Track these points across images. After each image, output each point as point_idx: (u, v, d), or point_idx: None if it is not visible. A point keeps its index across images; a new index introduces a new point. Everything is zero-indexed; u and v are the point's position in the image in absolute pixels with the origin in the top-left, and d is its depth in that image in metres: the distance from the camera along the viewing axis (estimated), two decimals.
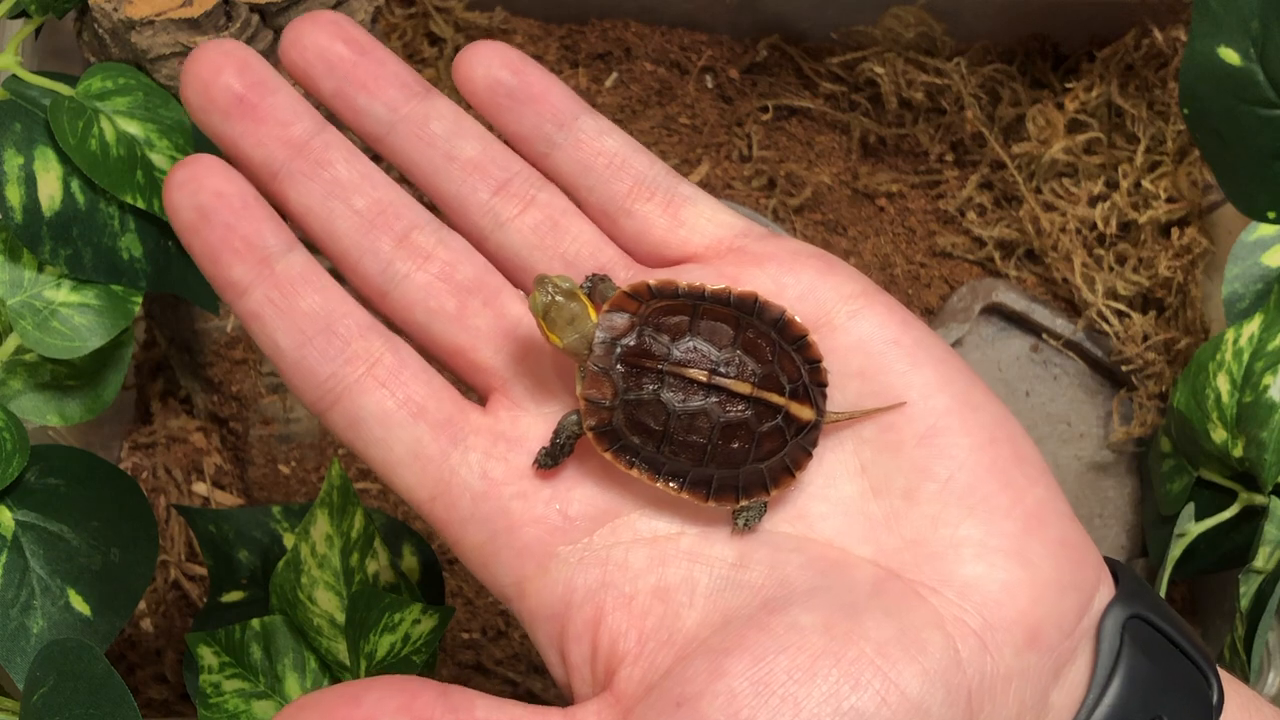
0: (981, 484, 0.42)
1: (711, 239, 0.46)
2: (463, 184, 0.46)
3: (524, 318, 0.45)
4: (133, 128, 0.63)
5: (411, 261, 0.45)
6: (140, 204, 0.63)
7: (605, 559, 0.43)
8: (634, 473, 0.43)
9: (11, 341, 0.62)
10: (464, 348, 0.45)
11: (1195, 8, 0.67)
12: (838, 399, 0.44)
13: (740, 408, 0.43)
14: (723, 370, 0.43)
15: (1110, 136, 0.90)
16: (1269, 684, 0.63)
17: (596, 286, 0.45)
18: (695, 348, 0.43)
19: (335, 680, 0.60)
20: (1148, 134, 0.89)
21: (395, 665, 0.56)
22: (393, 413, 0.43)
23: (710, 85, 0.93)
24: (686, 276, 0.45)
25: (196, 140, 0.65)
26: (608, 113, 0.91)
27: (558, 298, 0.42)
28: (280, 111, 0.44)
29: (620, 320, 0.43)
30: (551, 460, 0.44)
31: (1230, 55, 0.67)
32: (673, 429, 0.43)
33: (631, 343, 0.43)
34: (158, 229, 0.64)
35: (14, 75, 0.63)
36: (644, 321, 0.43)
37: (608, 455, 0.43)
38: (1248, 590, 0.62)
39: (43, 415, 0.63)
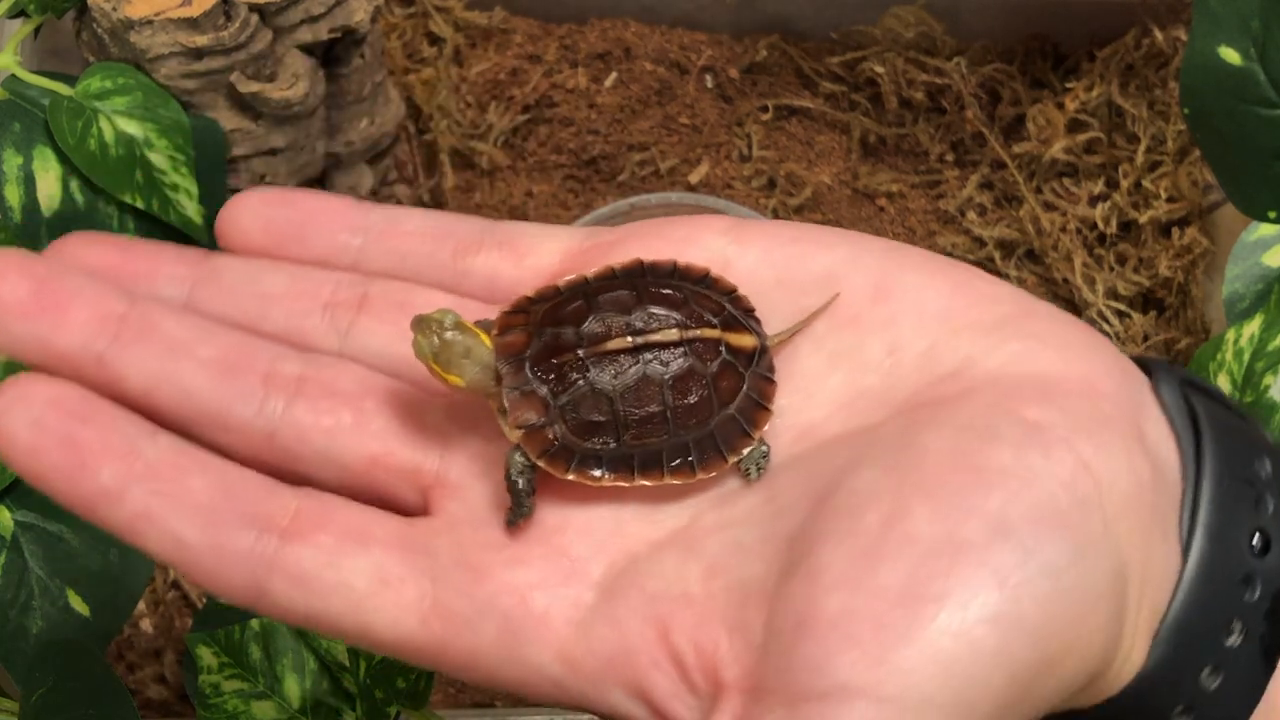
0: (954, 303, 0.40)
1: (563, 251, 0.43)
2: (289, 316, 0.41)
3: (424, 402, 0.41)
4: (132, 127, 0.63)
5: (285, 392, 0.40)
6: (139, 204, 0.62)
7: (635, 579, 0.38)
8: (606, 482, 0.39)
9: None
10: (378, 454, 0.40)
11: (1195, 7, 0.67)
12: (772, 321, 0.41)
13: (679, 358, 0.40)
14: (641, 327, 0.40)
15: (1110, 136, 0.90)
16: None
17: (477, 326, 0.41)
18: (604, 321, 0.40)
19: (335, 681, 0.60)
20: (1148, 134, 0.89)
21: (394, 664, 0.56)
22: (338, 549, 0.38)
23: (710, 85, 0.92)
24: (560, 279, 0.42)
25: (196, 140, 0.65)
26: (607, 112, 0.91)
27: (444, 334, 0.39)
28: (84, 294, 0.38)
29: (515, 336, 0.40)
30: (520, 510, 0.39)
31: (1231, 55, 0.67)
32: (623, 411, 0.40)
33: (537, 348, 0.40)
34: (157, 229, 0.64)
35: (13, 75, 0.63)
36: (540, 325, 0.40)
37: (571, 476, 0.39)
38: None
39: None
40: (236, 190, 0.73)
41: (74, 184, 0.62)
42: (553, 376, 0.40)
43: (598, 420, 0.40)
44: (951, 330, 0.39)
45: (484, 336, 0.40)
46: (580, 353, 0.40)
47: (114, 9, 0.66)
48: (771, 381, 0.41)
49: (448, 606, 0.38)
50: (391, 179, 0.85)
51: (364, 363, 0.41)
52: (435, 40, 0.93)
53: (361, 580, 0.38)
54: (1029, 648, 0.34)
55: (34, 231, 0.61)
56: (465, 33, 0.93)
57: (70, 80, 0.63)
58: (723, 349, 0.40)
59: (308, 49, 0.72)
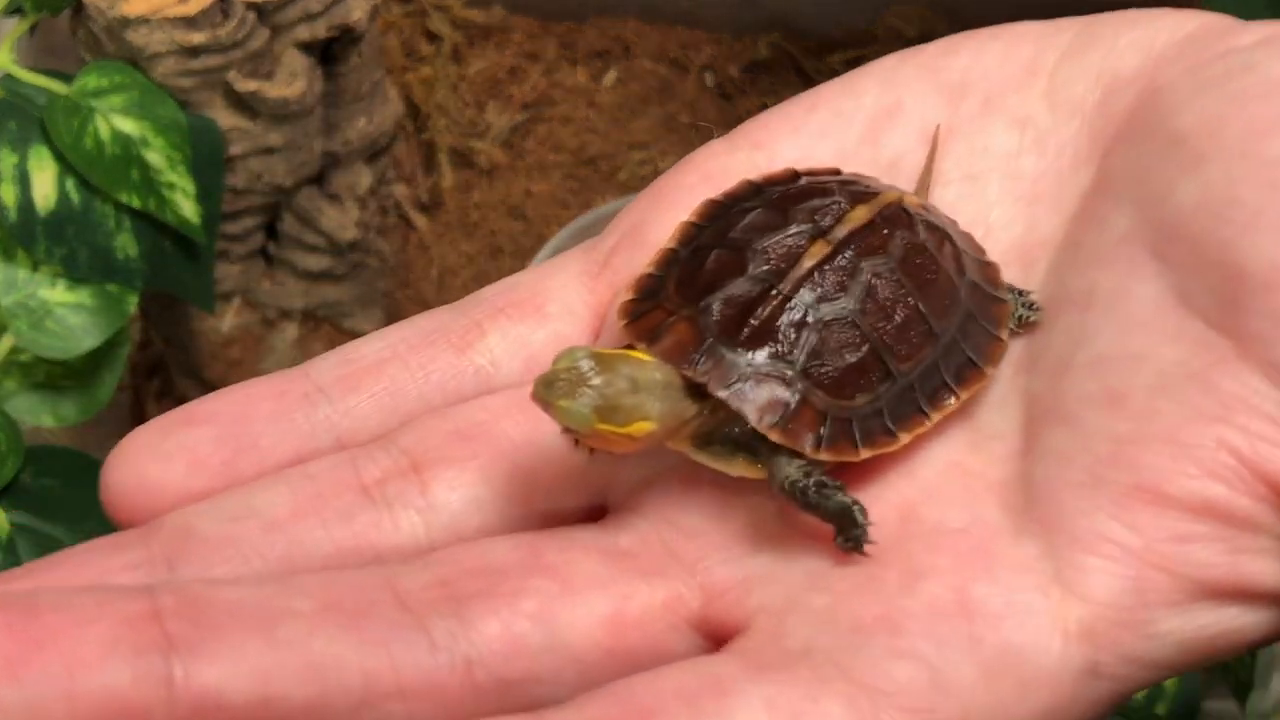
0: (1021, 49, 0.35)
1: (579, 275, 0.36)
2: (326, 525, 0.31)
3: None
4: (128, 126, 0.63)
5: (442, 608, 0.29)
6: (135, 203, 0.62)
7: (1052, 503, 0.31)
8: (905, 438, 0.31)
9: (6, 341, 0.62)
10: (613, 611, 0.30)
11: (1202, 7, 0.67)
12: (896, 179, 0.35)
13: (886, 240, 0.32)
14: (823, 224, 0.32)
15: None
16: (1273, 689, 0.63)
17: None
18: (768, 247, 0.32)
19: None
20: None
21: None
22: None
23: (710, 83, 0.92)
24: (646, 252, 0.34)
25: (194, 139, 0.64)
26: (607, 111, 0.90)
27: (594, 380, 0.29)
28: (88, 609, 0.27)
29: (675, 327, 0.31)
30: (855, 522, 0.30)
31: None
32: (874, 332, 0.31)
33: (717, 320, 0.31)
34: (153, 228, 0.63)
35: (8, 73, 0.63)
36: (694, 297, 0.31)
37: (866, 453, 0.31)
38: None
39: (38, 416, 0.63)
40: (234, 190, 0.73)
41: (70, 183, 0.62)
42: (766, 338, 0.31)
43: (854, 359, 0.31)
44: (1055, 67, 0.35)
45: (636, 355, 0.31)
46: (778, 289, 0.31)
47: (110, 7, 0.65)
48: (958, 230, 0.34)
49: None
50: (390, 178, 0.84)
51: (470, 528, 0.32)
52: (434, 38, 0.93)
53: None
54: None
55: (29, 230, 0.61)
56: (464, 31, 0.92)
57: (66, 78, 0.63)
58: (907, 212, 0.33)
59: (305, 47, 0.72)
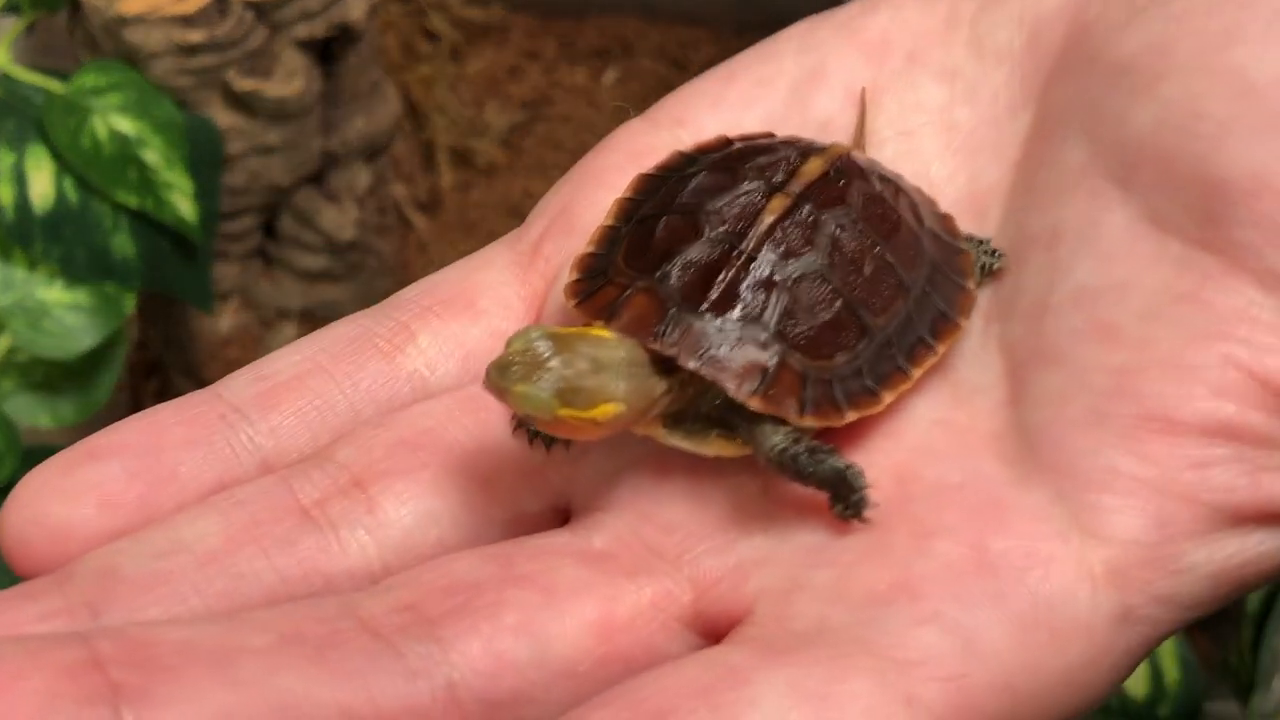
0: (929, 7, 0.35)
1: (511, 265, 0.34)
2: (268, 552, 0.29)
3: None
4: (125, 125, 0.63)
5: (414, 630, 0.27)
6: (133, 203, 0.62)
7: (1053, 442, 0.30)
8: (888, 398, 0.30)
9: (3, 342, 0.62)
10: (600, 616, 0.29)
11: None
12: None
13: (843, 191, 0.30)
14: (777, 180, 0.30)
15: None
16: (1274, 690, 0.63)
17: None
18: (723, 207, 0.30)
19: None
20: None
21: None
22: None
23: None
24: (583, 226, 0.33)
25: (191, 138, 0.64)
26: (607, 110, 0.90)
27: (552, 363, 0.27)
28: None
29: (634, 300, 0.29)
30: (856, 487, 0.29)
31: None
32: (845, 286, 0.29)
33: (679, 287, 0.29)
34: (151, 228, 0.63)
35: (5, 73, 0.63)
36: (649, 267, 0.30)
37: (851, 415, 0.29)
38: (1255, 595, 0.62)
39: (35, 416, 0.63)
40: (232, 189, 0.72)
41: (67, 182, 0.61)
42: (734, 301, 0.29)
43: (828, 316, 0.29)
44: (974, 16, 0.34)
45: (595, 332, 0.29)
46: (740, 248, 0.29)
47: (108, 6, 0.65)
48: (907, 183, 0.32)
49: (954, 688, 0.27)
50: (388, 178, 0.84)
51: (426, 545, 0.30)
52: (433, 37, 0.92)
53: None
54: None
55: (27, 231, 0.60)
56: (463, 30, 0.92)
57: (64, 77, 0.63)
58: (857, 164, 0.32)
59: (304, 46, 0.72)
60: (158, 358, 0.83)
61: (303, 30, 0.71)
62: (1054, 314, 0.30)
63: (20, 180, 0.61)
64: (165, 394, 0.83)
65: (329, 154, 0.78)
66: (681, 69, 0.91)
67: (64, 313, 0.61)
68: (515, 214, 0.88)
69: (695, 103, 0.35)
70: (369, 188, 0.80)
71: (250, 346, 0.79)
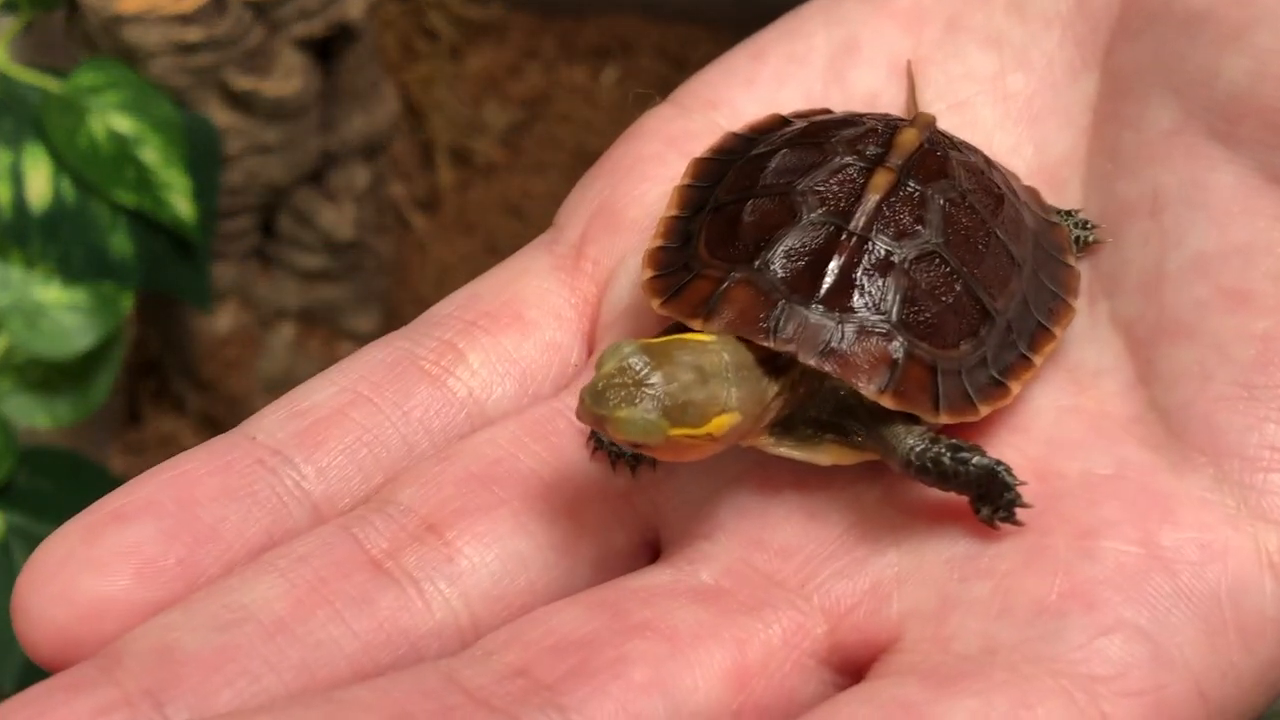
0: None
1: (552, 271, 0.32)
2: (343, 614, 0.25)
3: None
4: (123, 124, 0.62)
5: (531, 700, 0.24)
6: (130, 202, 0.62)
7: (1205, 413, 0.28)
8: (1016, 388, 0.28)
9: (1, 342, 0.62)
10: (736, 662, 0.26)
11: None
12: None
13: (942, 163, 0.28)
14: (872, 154, 0.27)
15: None
16: None
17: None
18: (817, 185, 0.27)
19: None
20: None
21: None
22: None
23: None
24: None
25: (190, 137, 0.64)
26: (606, 109, 0.90)
27: (653, 379, 0.24)
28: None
29: (733, 294, 0.26)
30: (1009, 487, 0.26)
31: None
32: (964, 266, 0.27)
33: (785, 278, 0.26)
34: (149, 227, 0.63)
35: (2, 71, 0.62)
36: (744, 257, 0.27)
37: (985, 409, 0.27)
38: None
39: (32, 416, 0.63)
40: (231, 188, 0.72)
41: (65, 182, 0.61)
42: (850, 288, 0.26)
43: (950, 300, 0.26)
44: None
45: (690, 338, 0.26)
46: (848, 231, 0.26)
47: (105, 4, 0.65)
48: (991, 159, 0.30)
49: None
50: (387, 177, 0.84)
51: (515, 593, 0.27)
52: (432, 36, 0.92)
53: None
54: None
55: (24, 230, 0.60)
56: (462, 28, 0.92)
57: (61, 76, 0.63)
58: (945, 134, 0.30)
59: (302, 45, 0.72)
60: (156, 358, 0.83)
61: (301, 29, 0.71)
62: (1173, 285, 0.28)
63: (17, 179, 0.60)
64: (163, 394, 0.83)
65: (327, 153, 0.77)
66: (681, 68, 0.91)
67: (61, 313, 0.61)
68: (514, 213, 0.88)
69: (726, 84, 0.33)
70: (368, 187, 0.80)
71: (249, 347, 0.79)
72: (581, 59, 0.91)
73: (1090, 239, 0.30)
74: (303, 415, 0.28)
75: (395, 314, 0.83)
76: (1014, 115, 0.32)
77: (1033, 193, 0.31)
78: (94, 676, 0.23)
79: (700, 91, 0.34)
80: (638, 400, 0.24)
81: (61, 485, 0.60)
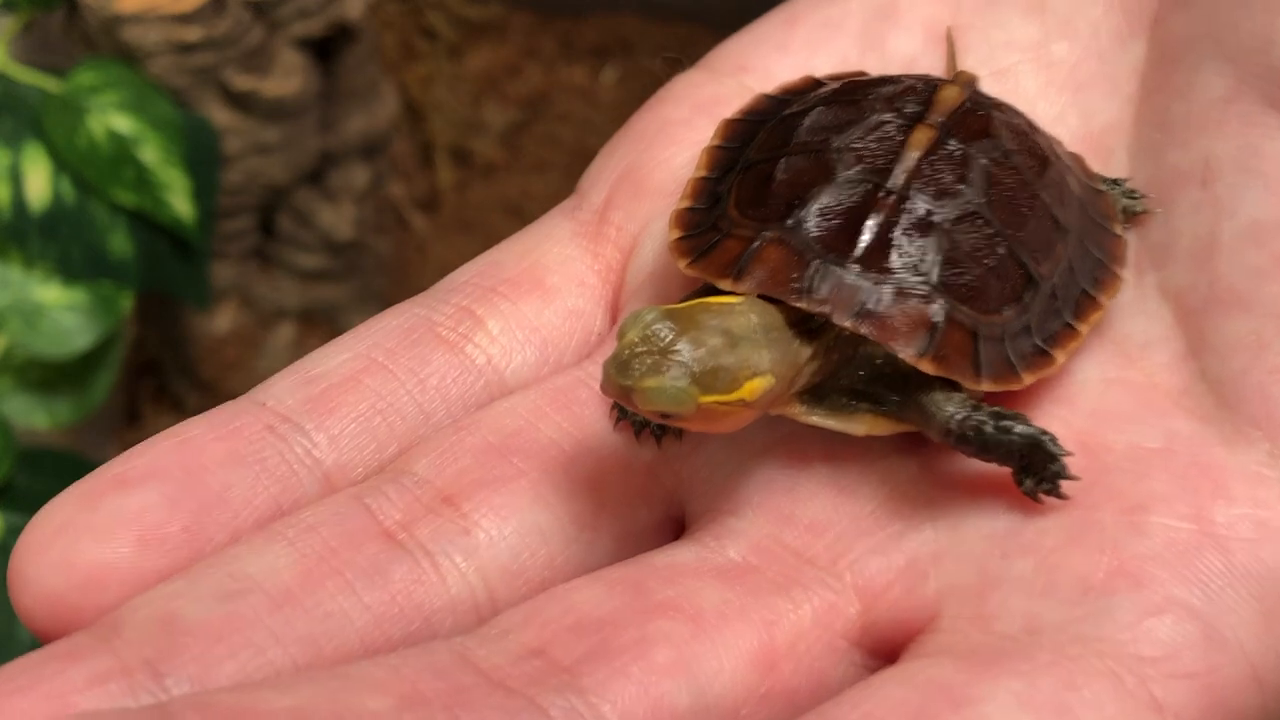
0: None
1: (574, 237, 0.31)
2: (357, 582, 0.25)
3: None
4: (122, 124, 0.62)
5: (551, 682, 0.23)
6: (130, 202, 0.62)
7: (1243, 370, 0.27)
8: (1061, 357, 0.27)
9: (0, 341, 0.61)
10: (764, 642, 0.25)
11: None
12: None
13: (987, 123, 0.27)
14: (913, 111, 0.27)
15: None
16: None
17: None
18: (856, 144, 0.26)
19: None
20: None
21: None
22: None
23: None
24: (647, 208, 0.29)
25: (189, 137, 0.64)
26: (605, 110, 0.90)
27: (679, 346, 0.23)
28: None
29: (766, 253, 0.25)
30: (1056, 457, 0.25)
31: None
32: (1006, 227, 0.26)
33: (819, 236, 0.25)
34: (148, 227, 0.63)
35: (1, 71, 0.62)
36: (778, 214, 0.26)
37: (1028, 378, 0.26)
38: None
39: (31, 416, 0.62)
40: (230, 188, 0.72)
41: (64, 181, 0.61)
42: (887, 248, 0.25)
43: (993, 263, 0.25)
44: None
45: (716, 300, 0.25)
46: (887, 188, 0.25)
47: (105, 4, 0.65)
48: (1035, 123, 0.29)
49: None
50: (386, 176, 0.84)
51: (535, 568, 0.26)
52: (431, 35, 0.92)
53: None
54: None
55: (23, 230, 0.60)
56: (461, 28, 0.92)
57: (61, 75, 0.62)
58: (987, 95, 0.29)
59: (302, 44, 0.72)
60: (155, 358, 0.83)
61: (300, 28, 0.71)
62: (1226, 254, 0.27)
63: (16, 179, 0.60)
64: (163, 394, 0.83)
65: (327, 153, 0.77)
66: (684, 68, 0.91)
67: (61, 312, 0.61)
68: (514, 213, 0.88)
69: (758, 49, 0.32)
70: (367, 187, 0.79)
71: (248, 347, 0.79)
72: (581, 58, 0.91)
73: (1138, 209, 0.29)
74: (314, 381, 0.27)
75: None
76: (1058, 83, 0.31)
77: (1078, 159, 0.30)
78: (91, 645, 0.23)
79: (731, 56, 0.33)
80: (665, 369, 0.23)
81: (61, 485, 0.59)
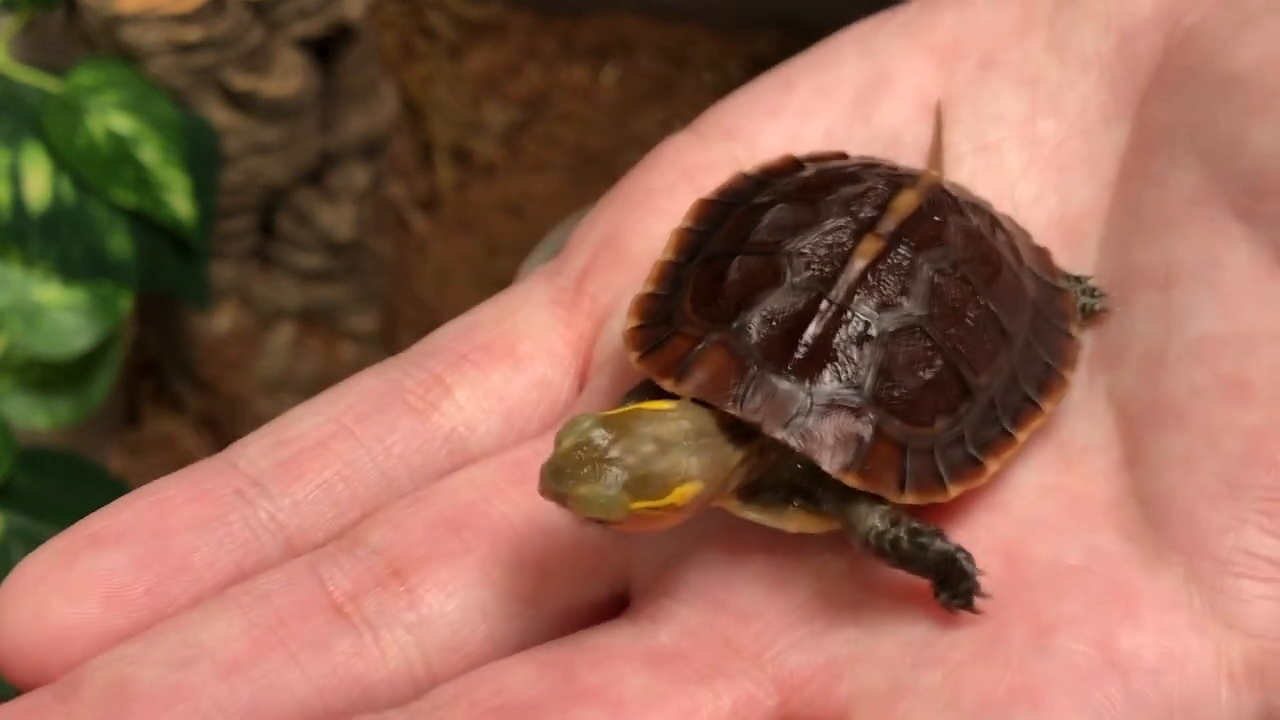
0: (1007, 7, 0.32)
1: (551, 304, 0.31)
2: (301, 655, 0.26)
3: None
4: (122, 124, 0.62)
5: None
6: (129, 202, 0.62)
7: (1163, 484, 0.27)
8: (994, 466, 0.27)
9: (0, 341, 0.61)
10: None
11: None
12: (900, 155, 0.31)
13: (940, 228, 0.27)
14: (865, 216, 0.27)
15: None
16: None
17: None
18: (803, 248, 0.26)
19: None
20: None
21: None
22: None
23: (710, 81, 0.92)
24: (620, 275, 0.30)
25: (189, 137, 0.64)
26: (606, 109, 0.90)
27: (612, 453, 0.24)
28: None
29: (708, 358, 0.26)
30: (968, 574, 0.26)
31: None
32: (946, 341, 0.26)
33: (758, 343, 0.26)
34: (148, 227, 0.63)
35: (0, 71, 0.62)
36: (724, 317, 0.26)
37: (954, 490, 0.26)
38: None
39: (31, 416, 0.62)
40: (230, 188, 0.72)
41: (63, 181, 0.61)
42: (823, 359, 0.25)
43: (928, 376, 0.26)
44: (1052, 15, 0.31)
45: (649, 406, 0.25)
46: (829, 298, 0.26)
47: (105, 3, 0.65)
48: (998, 213, 0.29)
49: None
50: (386, 177, 0.84)
51: (475, 643, 0.26)
52: (431, 35, 0.92)
53: None
54: None
55: (23, 230, 0.60)
56: (461, 28, 0.92)
57: (60, 75, 0.62)
58: (950, 195, 0.28)
59: (301, 44, 0.71)
60: (155, 358, 0.83)
61: (300, 28, 0.71)
62: (1173, 366, 0.27)
63: (16, 179, 0.60)
64: (162, 394, 0.83)
65: (327, 153, 0.77)
66: (681, 67, 0.91)
67: (60, 313, 0.61)
68: (514, 213, 0.87)
69: (749, 113, 0.32)
70: (367, 187, 0.79)
71: (248, 347, 0.79)
72: (581, 58, 0.91)
73: (1097, 307, 0.29)
74: (286, 445, 0.28)
75: (395, 314, 0.83)
76: (1040, 162, 0.31)
77: (1043, 255, 0.30)
78: (49, 706, 0.24)
79: (722, 120, 0.33)
80: (599, 476, 0.24)
81: (61, 485, 0.59)
